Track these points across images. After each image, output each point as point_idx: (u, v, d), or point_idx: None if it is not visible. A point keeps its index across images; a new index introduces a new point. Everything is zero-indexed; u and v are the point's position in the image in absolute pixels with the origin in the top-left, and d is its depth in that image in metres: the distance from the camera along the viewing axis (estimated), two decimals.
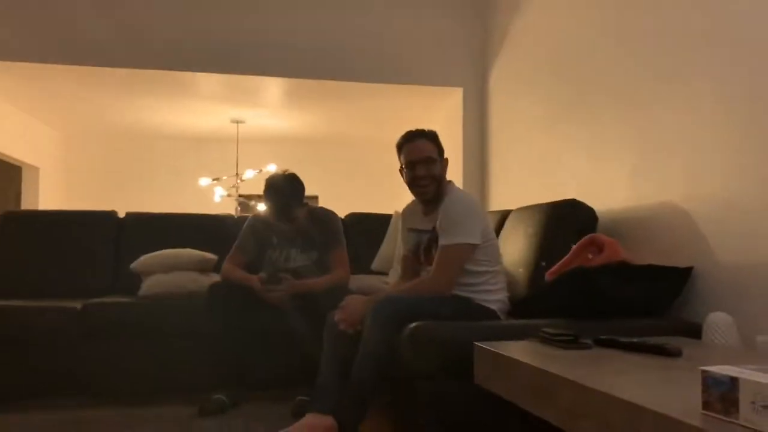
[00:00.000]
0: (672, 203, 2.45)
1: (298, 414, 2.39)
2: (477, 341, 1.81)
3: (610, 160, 2.93)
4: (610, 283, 2.22)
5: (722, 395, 0.92)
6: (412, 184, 2.48)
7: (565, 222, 2.75)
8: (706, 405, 0.95)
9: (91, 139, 7.76)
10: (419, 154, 2.45)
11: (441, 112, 5.31)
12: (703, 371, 0.95)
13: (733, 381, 0.90)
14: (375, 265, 3.78)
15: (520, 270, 2.74)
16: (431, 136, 2.50)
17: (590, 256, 2.49)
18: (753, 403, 0.87)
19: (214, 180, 7.16)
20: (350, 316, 2.31)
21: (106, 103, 6.16)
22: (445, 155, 2.54)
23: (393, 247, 3.72)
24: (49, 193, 7.15)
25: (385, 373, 2.19)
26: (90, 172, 7.79)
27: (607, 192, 2.93)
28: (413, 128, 2.55)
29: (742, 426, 0.88)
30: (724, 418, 0.91)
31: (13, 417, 2.69)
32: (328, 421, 2.14)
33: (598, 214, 2.78)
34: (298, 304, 2.87)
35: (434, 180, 2.45)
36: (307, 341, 2.76)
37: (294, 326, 2.87)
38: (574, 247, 2.55)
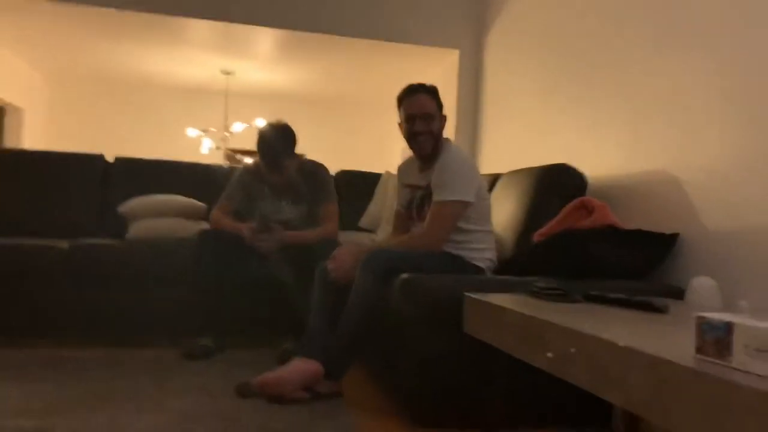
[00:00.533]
0: (661, 171, 2.48)
1: (283, 361, 2.41)
2: (467, 292, 1.84)
3: (602, 127, 2.94)
4: (597, 246, 2.25)
5: (716, 340, 0.95)
6: (411, 139, 2.47)
7: (555, 186, 2.77)
8: (700, 349, 0.98)
9: (78, 82, 7.61)
10: (419, 108, 2.43)
11: (436, 74, 5.27)
12: (699, 317, 0.98)
13: (729, 326, 0.93)
14: (363, 222, 3.79)
15: (509, 232, 2.77)
16: (432, 91, 2.49)
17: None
18: (746, 347, 0.90)
19: (202, 131, 7.08)
20: (342, 266, 2.32)
21: (93, 46, 6.02)
22: (444, 114, 2.53)
23: (381, 206, 3.73)
24: (34, 135, 7.03)
25: (374, 322, 2.22)
26: (76, 116, 7.65)
27: (598, 158, 2.95)
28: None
29: (735, 369, 0.91)
30: (718, 361, 0.94)
31: None
32: (315, 365, 2.17)
33: (588, 179, 2.81)
34: (286, 255, 2.88)
35: (432, 136, 2.45)
36: (294, 292, 2.78)
37: (282, 277, 2.89)
38: (563, 209, 2.57)
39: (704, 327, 0.97)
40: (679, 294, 2.14)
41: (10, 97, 6.49)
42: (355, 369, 2.49)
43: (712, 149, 2.23)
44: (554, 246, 2.32)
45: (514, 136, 4.01)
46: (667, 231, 2.36)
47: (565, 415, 2.09)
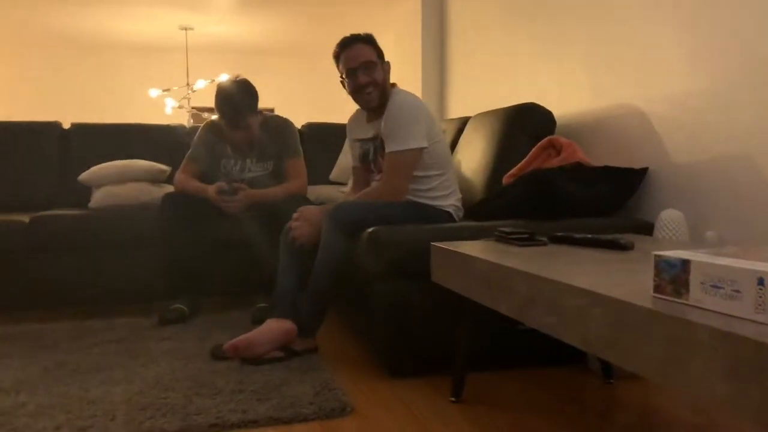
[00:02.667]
0: (629, 105, 2.45)
1: (257, 321, 2.40)
2: (434, 242, 1.81)
3: (568, 64, 2.88)
4: (566, 185, 2.23)
5: (673, 277, 0.93)
6: (356, 92, 2.38)
7: (523, 126, 2.73)
8: (657, 288, 0.96)
9: (31, 46, 7.31)
10: (357, 59, 2.34)
11: (399, 18, 5.12)
12: (656, 255, 0.96)
13: (685, 263, 0.91)
14: (333, 175, 3.74)
15: (479, 175, 2.74)
16: (368, 39, 2.39)
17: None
18: (702, 283, 0.88)
19: (164, 91, 6.89)
20: (306, 228, 2.28)
21: (44, 6, 5.76)
22: (386, 60, 2.44)
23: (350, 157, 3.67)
24: None
25: (342, 278, 2.20)
26: (30, 82, 7.38)
27: (566, 95, 2.90)
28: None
29: (691, 306, 0.90)
30: (675, 300, 0.93)
31: None
32: (288, 324, 2.16)
33: (556, 117, 2.77)
34: (254, 214, 2.82)
35: (377, 85, 2.36)
36: (264, 251, 2.75)
37: (250, 236, 2.85)
38: (532, 149, 2.54)
39: (662, 265, 0.95)
40: (648, 229, 2.14)
41: None
42: (328, 323, 2.49)
43: (677, 80, 2.19)
44: (523, 187, 2.30)
45: (481, 79, 3.94)
46: (637, 166, 2.35)
47: (541, 356, 2.11)
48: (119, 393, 1.84)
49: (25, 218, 2.85)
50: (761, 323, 0.79)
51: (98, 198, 3.09)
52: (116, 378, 1.98)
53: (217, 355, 2.18)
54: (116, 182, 3.13)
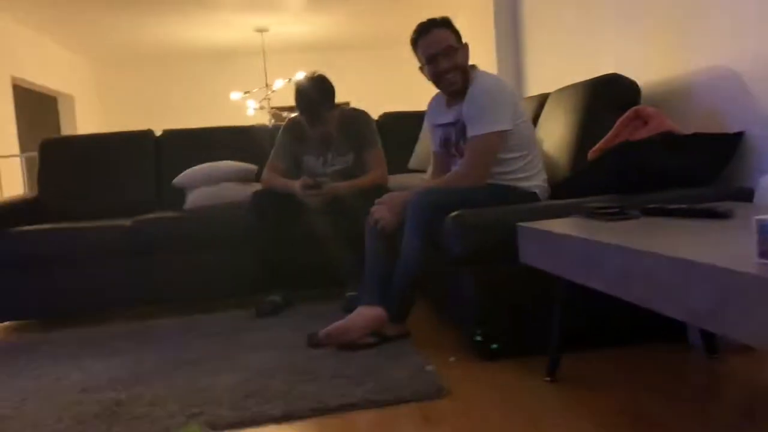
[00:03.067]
0: (719, 66, 2.32)
1: (349, 310, 2.45)
2: (519, 222, 1.80)
3: (649, 27, 2.76)
4: (655, 156, 2.14)
5: None
6: (438, 79, 2.37)
7: (606, 98, 2.63)
8: (763, 253, 0.92)
9: (120, 63, 7.76)
10: (437, 45, 2.32)
11: (471, 0, 5.06)
12: (758, 219, 0.92)
13: None
14: (412, 163, 3.75)
15: (562, 153, 2.67)
16: (445, 23, 2.35)
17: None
18: None
19: (245, 93, 7.12)
20: (385, 211, 2.31)
21: (129, 24, 6.10)
22: (464, 41, 2.40)
23: (429, 143, 3.67)
24: (86, 121, 7.25)
25: (427, 264, 2.21)
26: (123, 96, 7.84)
27: (650, 63, 2.78)
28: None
29: None
30: None
31: (73, 331, 2.85)
32: (377, 310, 2.20)
33: (640, 86, 2.66)
34: (338, 206, 2.89)
35: (459, 70, 2.34)
36: (349, 242, 2.81)
37: (335, 228, 2.91)
38: (617, 122, 2.46)
39: (766, 230, 0.91)
40: (748, 196, 2.03)
41: (60, 85, 6.68)
42: (418, 308, 2.51)
43: None
44: (610, 161, 2.23)
45: (559, 53, 3.83)
46: (731, 131, 2.22)
47: (638, 334, 2.04)
48: (225, 382, 1.94)
49: (127, 222, 3.04)
50: None
51: (192, 199, 3.25)
52: (221, 368, 2.09)
53: (313, 343, 2.25)
54: (208, 183, 3.28)
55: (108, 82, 7.79)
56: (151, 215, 3.13)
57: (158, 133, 3.79)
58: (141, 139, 3.70)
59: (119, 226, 3.01)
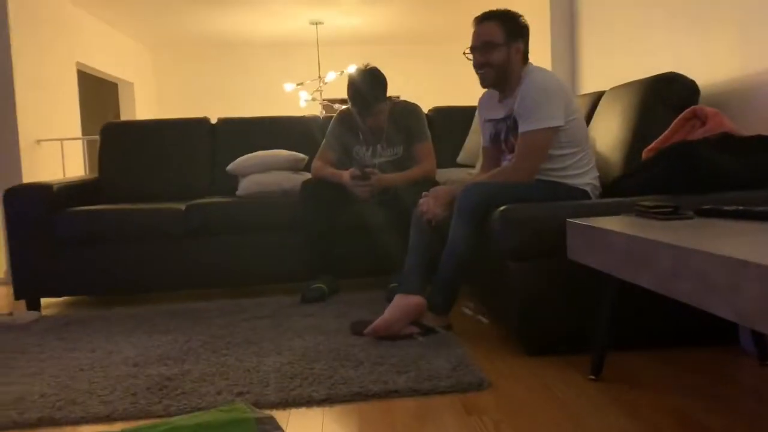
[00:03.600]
0: None
1: (391, 299, 2.48)
2: (569, 218, 1.78)
3: (711, 26, 2.69)
4: (712, 156, 2.09)
5: None
6: (475, 69, 2.38)
7: (662, 97, 2.58)
8: None
9: (178, 51, 7.97)
10: (478, 38, 2.33)
11: None
12: None
13: None
14: (461, 157, 3.74)
15: (616, 152, 2.63)
16: (501, 17, 2.33)
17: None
18: None
19: (298, 85, 7.21)
20: (432, 203, 2.32)
21: (189, 14, 6.25)
22: (519, 41, 2.37)
23: (479, 138, 3.65)
24: (144, 107, 7.48)
25: (472, 258, 2.21)
26: (180, 83, 8.04)
27: (710, 62, 2.71)
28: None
29: None
30: None
31: (126, 309, 2.97)
32: (416, 299, 2.22)
33: (699, 86, 2.59)
34: (385, 198, 2.91)
35: (492, 67, 2.33)
36: (395, 233, 2.83)
37: (382, 219, 2.94)
38: (674, 121, 2.41)
39: None
40: None
41: (121, 72, 6.90)
42: (462, 301, 2.52)
43: None
44: (665, 161, 2.18)
45: (616, 50, 3.76)
46: None
47: (687, 336, 2.01)
48: (270, 363, 1.99)
49: (182, 206, 3.14)
50: None
51: (244, 186, 3.32)
52: (266, 350, 2.14)
53: (357, 330, 2.28)
54: (260, 171, 3.35)
55: (166, 70, 8.01)
56: (204, 200, 3.21)
57: (213, 120, 3.89)
58: (197, 126, 3.80)
59: (174, 209, 3.11)
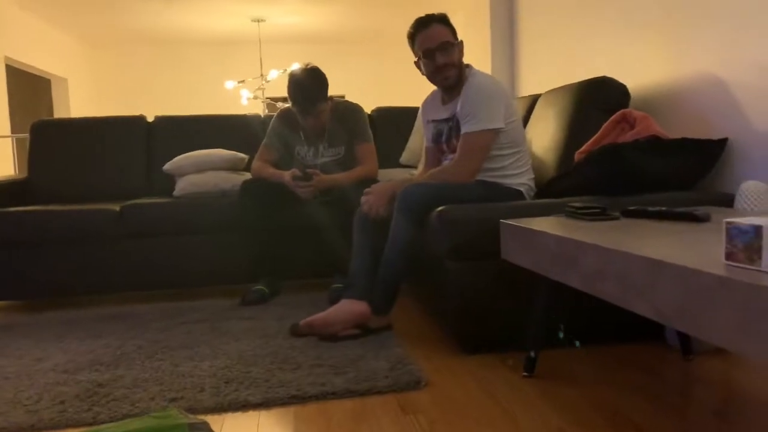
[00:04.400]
0: (707, 73, 2.35)
1: (334, 301, 2.47)
2: (502, 219, 1.82)
3: (641, 33, 2.79)
4: (640, 158, 2.17)
5: (746, 245, 0.91)
6: (434, 74, 2.39)
7: (594, 100, 2.66)
8: (729, 255, 0.95)
9: (115, 47, 7.73)
10: (435, 40, 2.34)
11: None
12: (728, 222, 0.94)
13: (757, 230, 0.89)
14: (404, 158, 3.77)
15: (551, 153, 2.70)
16: (443, 20, 2.38)
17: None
18: None
19: (239, 83, 7.11)
20: (374, 204, 2.33)
21: (125, 8, 6.07)
22: (460, 40, 2.43)
23: (421, 140, 3.69)
24: (79, 104, 7.23)
25: (413, 257, 2.23)
26: (117, 80, 7.81)
27: (639, 67, 2.81)
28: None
29: (765, 272, 0.88)
30: (747, 267, 0.91)
31: (58, 314, 2.87)
32: (362, 305, 2.22)
33: (630, 90, 2.69)
34: (327, 198, 2.90)
35: (455, 66, 2.37)
36: (337, 234, 2.82)
37: (324, 220, 2.93)
38: (605, 124, 2.49)
39: (733, 232, 0.93)
40: (729, 202, 2.06)
41: (53, 68, 6.65)
42: (401, 301, 2.53)
43: (761, 46, 2.09)
44: (595, 163, 2.25)
45: (553, 55, 3.86)
46: (716, 137, 2.26)
47: (616, 333, 2.08)
48: (206, 368, 1.96)
49: (116, 207, 3.05)
50: None
51: (181, 187, 3.25)
52: (203, 354, 2.11)
53: (296, 332, 2.27)
54: (198, 171, 3.28)
55: (103, 66, 7.76)
56: (140, 200, 3.13)
57: (150, 118, 3.79)
58: (133, 124, 3.70)
59: (108, 210, 3.01)
